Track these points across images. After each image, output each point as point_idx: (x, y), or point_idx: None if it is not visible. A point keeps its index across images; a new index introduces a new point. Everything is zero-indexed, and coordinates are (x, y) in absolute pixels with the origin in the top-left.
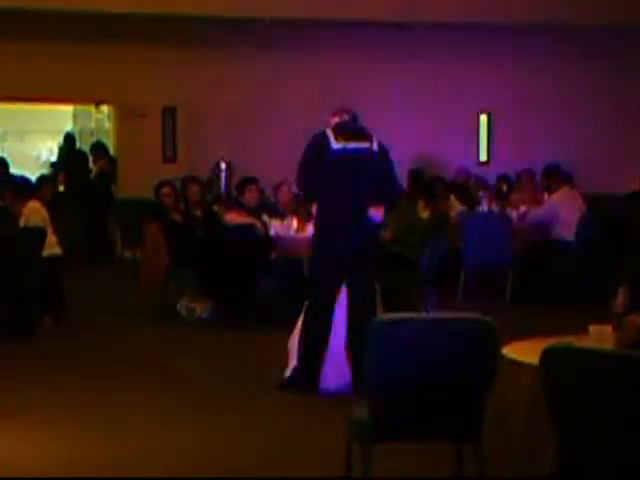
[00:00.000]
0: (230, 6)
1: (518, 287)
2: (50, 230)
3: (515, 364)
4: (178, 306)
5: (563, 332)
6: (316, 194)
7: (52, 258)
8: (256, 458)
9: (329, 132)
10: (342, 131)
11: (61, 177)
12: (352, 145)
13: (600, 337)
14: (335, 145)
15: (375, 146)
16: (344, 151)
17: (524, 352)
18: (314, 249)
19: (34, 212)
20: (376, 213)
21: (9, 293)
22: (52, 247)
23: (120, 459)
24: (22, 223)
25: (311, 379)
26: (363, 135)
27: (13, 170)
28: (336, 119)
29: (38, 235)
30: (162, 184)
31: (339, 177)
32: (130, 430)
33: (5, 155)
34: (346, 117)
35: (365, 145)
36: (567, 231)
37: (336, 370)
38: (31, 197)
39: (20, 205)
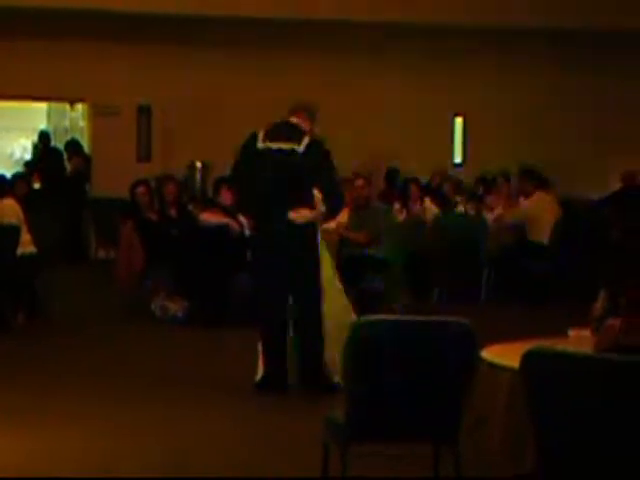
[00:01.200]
0: (203, 5)
1: (493, 289)
2: (24, 228)
3: (495, 367)
4: (152, 305)
5: (539, 334)
6: (241, 191)
7: (26, 256)
8: (231, 459)
9: (260, 133)
10: (270, 132)
11: (35, 175)
12: (275, 146)
13: (579, 341)
14: (260, 145)
15: (301, 148)
16: (266, 152)
17: (503, 355)
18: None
19: (8, 210)
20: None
21: None
22: (26, 245)
23: (91, 459)
24: None
25: (278, 381)
26: (289, 136)
27: None
28: (289, 118)
29: (11, 233)
30: (137, 183)
31: (259, 177)
32: (101, 430)
33: None
34: (292, 117)
35: (288, 146)
36: (542, 234)
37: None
38: (5, 195)
39: None
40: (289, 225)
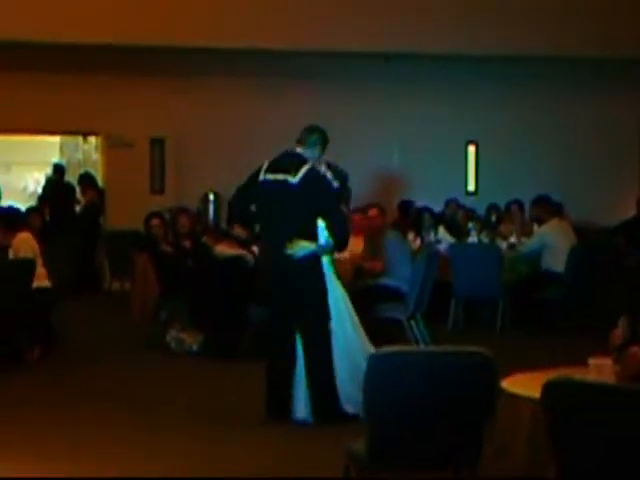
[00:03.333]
0: (217, 37)
1: (508, 318)
2: (40, 262)
3: (515, 398)
4: (167, 337)
5: (557, 363)
6: (240, 218)
7: (41, 290)
8: None
9: (265, 164)
10: (272, 162)
11: (46, 209)
12: (271, 177)
13: (600, 370)
14: (261, 177)
15: (296, 179)
16: (264, 184)
17: (523, 385)
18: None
19: (24, 244)
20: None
21: None
22: (41, 279)
23: None
24: (11, 255)
25: (278, 410)
26: (287, 167)
27: (1, 201)
28: (296, 147)
29: (27, 267)
30: (152, 215)
31: (261, 209)
32: (115, 463)
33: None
34: (297, 146)
35: (282, 177)
36: (558, 261)
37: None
38: (21, 228)
39: (10, 237)
40: (287, 258)
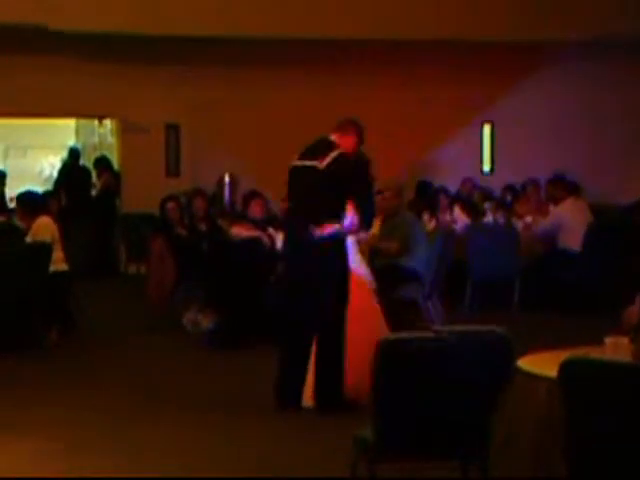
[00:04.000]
0: (231, 25)
1: (524, 297)
2: (58, 246)
3: (531, 377)
4: (184, 320)
5: (573, 342)
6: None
7: (58, 274)
8: (257, 476)
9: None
10: (305, 149)
11: (62, 193)
12: (300, 164)
13: (616, 349)
14: (293, 163)
15: (323, 164)
16: (295, 170)
17: (540, 364)
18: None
19: (43, 227)
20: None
21: (15, 309)
22: (59, 263)
23: (120, 473)
24: (30, 238)
25: (287, 396)
26: (316, 153)
27: (16, 185)
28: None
29: (44, 251)
30: (167, 199)
31: (291, 194)
32: (128, 445)
33: (6, 170)
34: (332, 133)
35: (310, 164)
36: (574, 240)
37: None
38: (40, 212)
39: (29, 221)
40: (311, 241)
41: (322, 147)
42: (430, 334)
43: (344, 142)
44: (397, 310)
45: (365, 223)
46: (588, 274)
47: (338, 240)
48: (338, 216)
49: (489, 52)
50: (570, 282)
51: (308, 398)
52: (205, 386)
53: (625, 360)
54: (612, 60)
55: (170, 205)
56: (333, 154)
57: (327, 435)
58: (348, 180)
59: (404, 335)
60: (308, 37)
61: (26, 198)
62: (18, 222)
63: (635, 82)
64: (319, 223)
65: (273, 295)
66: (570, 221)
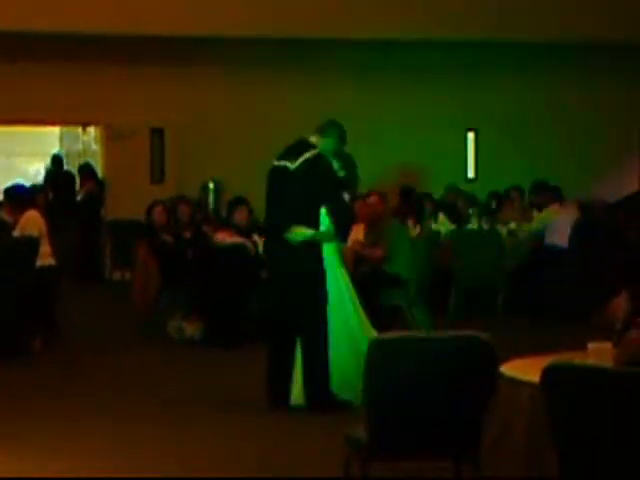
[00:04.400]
0: (217, 26)
1: (509, 303)
2: (45, 241)
3: (514, 382)
4: (169, 326)
5: (557, 349)
6: None
7: (45, 268)
8: (249, 476)
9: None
10: (283, 150)
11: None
12: (277, 164)
13: (599, 354)
14: (273, 163)
15: (294, 165)
16: (271, 170)
17: (523, 370)
18: None
19: (31, 222)
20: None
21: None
22: (45, 258)
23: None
24: (17, 233)
25: (279, 397)
26: (290, 154)
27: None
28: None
29: (30, 245)
30: (155, 203)
31: (267, 197)
32: (116, 451)
33: None
34: (312, 135)
35: (284, 164)
36: (560, 237)
37: (343, 382)
38: (28, 206)
39: (16, 215)
40: (287, 243)
41: (298, 148)
42: (419, 334)
43: (323, 143)
44: (381, 316)
45: (338, 233)
46: (573, 272)
47: (313, 245)
48: (311, 221)
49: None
50: (555, 282)
51: (298, 396)
52: (191, 388)
53: (608, 365)
54: (597, 68)
55: (157, 209)
56: (305, 155)
57: (320, 434)
58: (315, 183)
59: (394, 335)
60: (297, 36)
61: (14, 192)
62: (5, 216)
63: (618, 86)
64: (291, 227)
65: (258, 300)
66: (556, 221)
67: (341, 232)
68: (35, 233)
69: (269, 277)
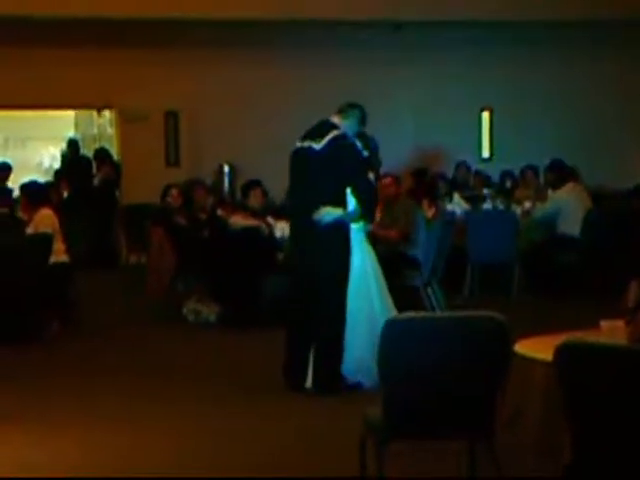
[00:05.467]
0: (232, 9)
1: (524, 283)
2: (59, 238)
3: (528, 361)
4: (184, 309)
5: (571, 327)
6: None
7: (58, 265)
8: (267, 458)
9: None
10: (307, 131)
11: (63, 184)
12: (299, 144)
13: (612, 332)
14: (296, 145)
15: (319, 146)
16: (295, 151)
17: (536, 348)
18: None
19: (46, 220)
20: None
21: (15, 302)
22: (59, 254)
23: (124, 461)
24: (31, 230)
25: (296, 379)
26: (314, 134)
27: (16, 177)
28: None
29: (45, 242)
30: (170, 187)
31: (291, 177)
32: (132, 434)
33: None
34: (331, 116)
35: (309, 144)
36: (573, 226)
37: (358, 363)
38: (42, 204)
39: (31, 212)
40: (312, 223)
41: (321, 129)
42: (434, 314)
43: (345, 125)
44: (398, 297)
45: (365, 213)
46: (587, 259)
47: (340, 225)
48: (339, 201)
49: None
50: (569, 267)
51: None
52: (208, 371)
53: (620, 343)
54: (612, 46)
55: (173, 192)
56: (330, 135)
57: (337, 415)
58: (342, 163)
59: (410, 315)
60: (308, 19)
61: (31, 188)
62: (20, 213)
63: (634, 69)
64: (319, 208)
65: (273, 283)
66: (569, 206)
67: (369, 212)
68: (49, 230)
69: (291, 258)
